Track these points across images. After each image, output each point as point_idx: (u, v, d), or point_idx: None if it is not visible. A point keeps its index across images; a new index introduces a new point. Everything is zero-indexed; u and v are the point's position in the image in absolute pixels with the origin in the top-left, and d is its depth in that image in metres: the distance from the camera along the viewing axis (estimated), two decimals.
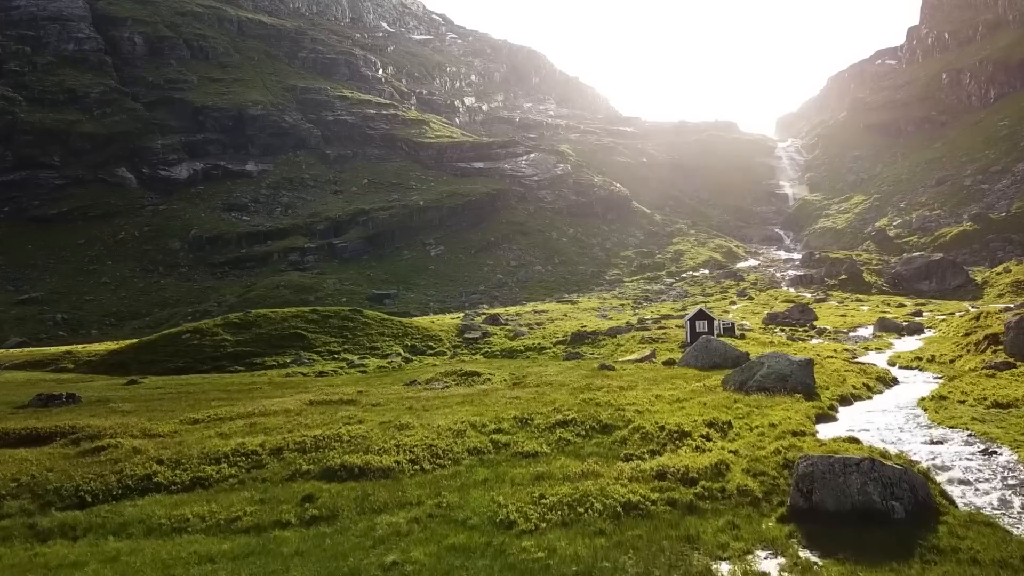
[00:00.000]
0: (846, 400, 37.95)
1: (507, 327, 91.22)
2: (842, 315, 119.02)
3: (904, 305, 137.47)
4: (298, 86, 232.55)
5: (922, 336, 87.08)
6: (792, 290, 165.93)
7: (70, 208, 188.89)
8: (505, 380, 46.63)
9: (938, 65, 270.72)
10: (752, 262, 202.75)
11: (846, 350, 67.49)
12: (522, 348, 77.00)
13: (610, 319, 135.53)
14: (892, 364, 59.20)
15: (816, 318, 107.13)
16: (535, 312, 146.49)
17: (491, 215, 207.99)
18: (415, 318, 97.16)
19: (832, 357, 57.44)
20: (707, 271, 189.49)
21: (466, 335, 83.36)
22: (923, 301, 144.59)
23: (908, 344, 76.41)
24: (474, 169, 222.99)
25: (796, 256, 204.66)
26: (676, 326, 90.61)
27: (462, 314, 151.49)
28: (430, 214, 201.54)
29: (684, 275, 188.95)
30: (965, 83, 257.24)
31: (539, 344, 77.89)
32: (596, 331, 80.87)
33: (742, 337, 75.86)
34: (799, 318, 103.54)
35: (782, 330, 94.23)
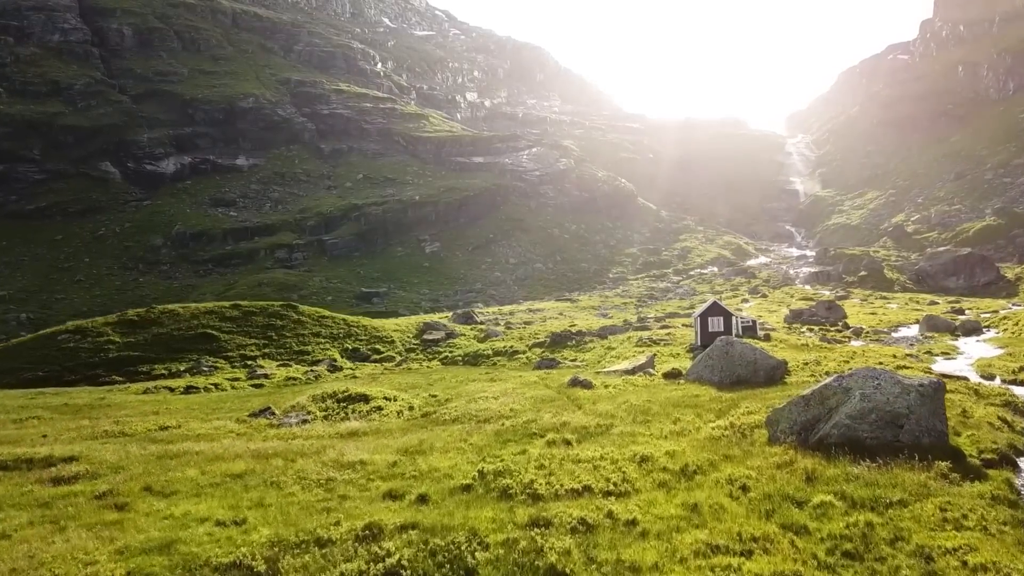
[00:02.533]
0: (1008, 462, 18.82)
1: (480, 327, 72.45)
2: (871, 313, 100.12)
3: (936, 303, 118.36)
4: (292, 79, 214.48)
5: (984, 337, 67.92)
6: (808, 287, 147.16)
7: (49, 203, 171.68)
8: (411, 409, 28.24)
9: (953, 58, 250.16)
10: (763, 259, 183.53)
11: (909, 356, 48.14)
12: (489, 352, 58.33)
13: (610, 318, 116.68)
14: (988, 376, 40.25)
15: (845, 316, 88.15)
16: (529, 311, 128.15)
17: (490, 211, 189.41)
18: (360, 319, 78.19)
19: (906, 368, 38.32)
20: (716, 268, 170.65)
21: (426, 336, 64.65)
22: (953, 299, 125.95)
23: (976, 347, 57.63)
24: (473, 164, 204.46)
25: (809, 253, 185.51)
26: (683, 325, 71.85)
27: (450, 313, 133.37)
28: (426, 209, 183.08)
29: (692, 273, 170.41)
30: (982, 76, 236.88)
31: (511, 347, 59.11)
32: (584, 331, 61.93)
33: (767, 338, 56.82)
34: (827, 316, 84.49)
35: (810, 330, 75.26)
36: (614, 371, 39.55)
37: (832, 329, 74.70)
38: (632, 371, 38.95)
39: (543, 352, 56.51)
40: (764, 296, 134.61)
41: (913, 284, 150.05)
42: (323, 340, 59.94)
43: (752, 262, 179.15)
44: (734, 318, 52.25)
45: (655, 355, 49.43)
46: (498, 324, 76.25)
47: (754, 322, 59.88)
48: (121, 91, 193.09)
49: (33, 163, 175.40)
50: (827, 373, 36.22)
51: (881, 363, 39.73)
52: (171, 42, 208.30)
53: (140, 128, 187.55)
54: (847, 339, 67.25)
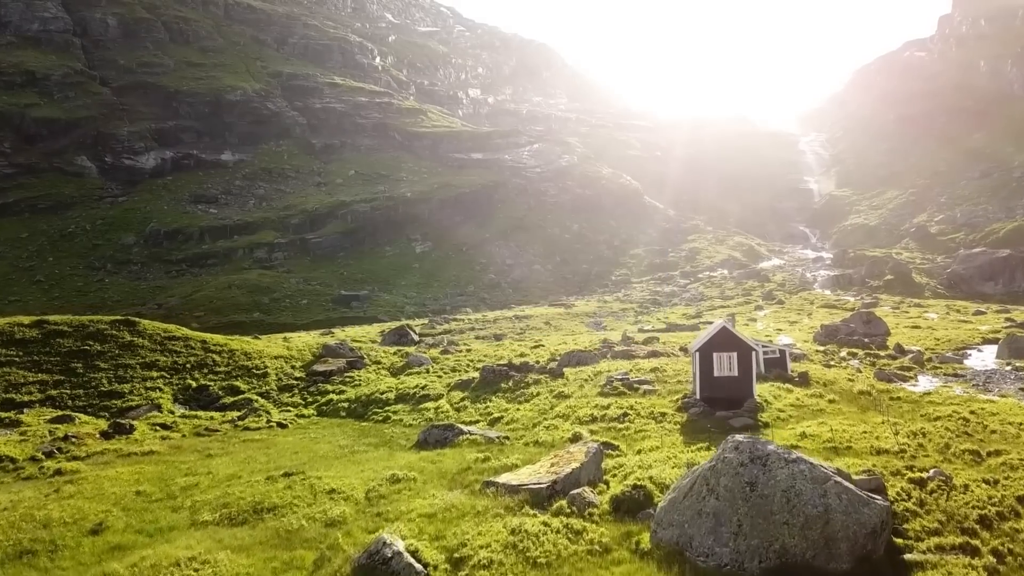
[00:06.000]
0: None
1: (408, 349, 51.30)
2: (914, 326, 77.99)
3: (982, 312, 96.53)
4: (284, 72, 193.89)
5: None
6: (829, 292, 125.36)
7: (17, 199, 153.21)
8: None
9: (974, 54, 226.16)
10: (776, 261, 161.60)
11: None
12: (391, 397, 37.48)
13: (603, 328, 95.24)
14: None
15: (888, 332, 66.40)
16: (515, 318, 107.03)
17: (487, 209, 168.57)
18: (246, 339, 56.29)
19: None
20: (726, 271, 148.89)
21: (316, 367, 43.56)
22: (999, 306, 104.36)
23: None
24: (472, 160, 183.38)
25: (826, 255, 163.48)
26: (681, 350, 50.16)
27: (427, 319, 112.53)
28: (418, 207, 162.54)
29: (700, 275, 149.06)
30: (1006, 71, 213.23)
31: (423, 388, 38.18)
32: (531, 365, 40.49)
33: (803, 381, 35.02)
34: (867, 333, 62.72)
35: (852, 354, 53.61)
36: (514, 486, 18.07)
37: (882, 355, 52.92)
38: (549, 493, 17.43)
39: (462, 398, 35.28)
40: (780, 303, 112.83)
41: (945, 289, 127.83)
42: (158, 373, 39.16)
43: (765, 264, 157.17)
44: (754, 353, 30.53)
45: (623, 416, 28.24)
46: (450, 344, 54.76)
47: (783, 352, 38.20)
48: (102, 83, 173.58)
49: (1, 156, 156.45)
50: (984, 526, 14.65)
51: None
52: (158, 33, 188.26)
53: (120, 121, 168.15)
54: (909, 372, 45.30)
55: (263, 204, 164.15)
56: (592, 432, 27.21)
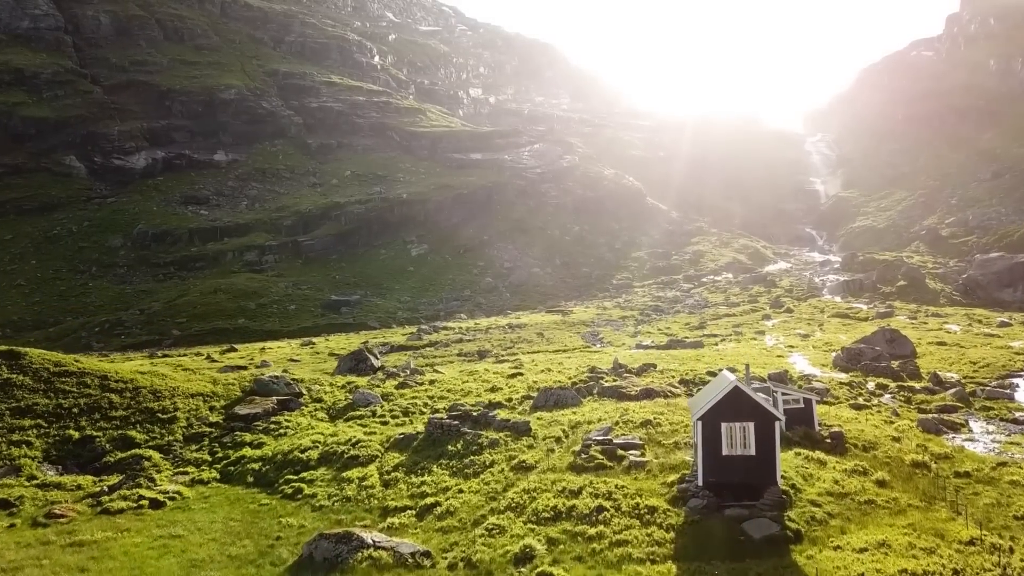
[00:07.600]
0: None
1: (359, 381, 42.75)
2: (938, 342, 68.84)
3: (1008, 323, 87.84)
4: (280, 70, 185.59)
5: None
6: (839, 299, 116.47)
7: (3, 200, 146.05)
8: None
9: (983, 53, 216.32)
10: (782, 265, 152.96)
11: None
12: (314, 457, 29.28)
13: (600, 340, 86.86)
14: None
15: (915, 352, 57.67)
16: (508, 327, 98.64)
17: (485, 210, 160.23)
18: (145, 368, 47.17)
19: None
20: (731, 275, 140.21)
21: (239, 409, 35.12)
22: (1022, 316, 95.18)
23: None
24: (471, 160, 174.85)
25: (834, 258, 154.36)
26: (681, 381, 41.43)
27: (415, 328, 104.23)
28: (414, 208, 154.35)
29: (704, 279, 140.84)
30: (1016, 70, 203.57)
31: (355, 446, 29.91)
32: (499, 408, 32.07)
33: (836, 445, 26.20)
34: (892, 355, 53.99)
35: (881, 387, 44.97)
36: None
37: (917, 388, 44.11)
38: None
39: (398, 464, 26.81)
40: (789, 311, 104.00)
41: (961, 296, 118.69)
42: (32, 421, 30.89)
43: (771, 268, 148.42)
44: (778, 424, 21.69)
45: (607, 515, 20.96)
46: (398, 375, 46.08)
47: (808, 402, 29.38)
48: (93, 81, 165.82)
49: None
50: None
51: None
52: (152, 31, 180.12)
53: (111, 120, 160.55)
54: (957, 416, 36.62)
55: (255, 205, 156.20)
56: (551, 543, 18.62)
